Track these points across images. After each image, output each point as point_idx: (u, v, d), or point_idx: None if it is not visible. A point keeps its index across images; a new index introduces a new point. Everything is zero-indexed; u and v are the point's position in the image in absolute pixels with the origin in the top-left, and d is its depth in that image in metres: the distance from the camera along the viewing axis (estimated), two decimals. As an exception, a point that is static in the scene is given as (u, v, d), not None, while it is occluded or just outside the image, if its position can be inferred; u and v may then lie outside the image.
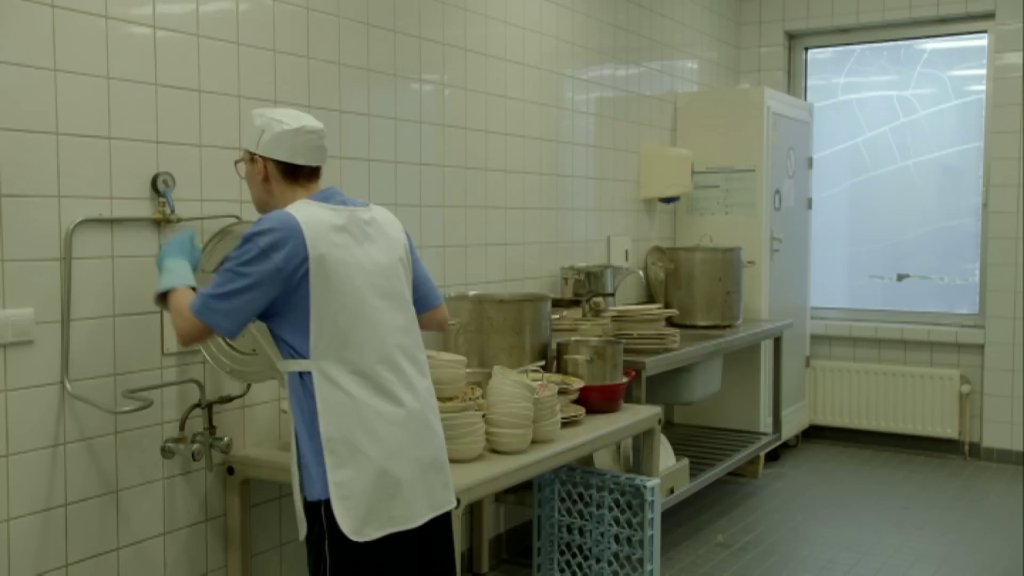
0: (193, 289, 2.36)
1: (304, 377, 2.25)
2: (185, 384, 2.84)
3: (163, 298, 2.39)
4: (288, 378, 2.29)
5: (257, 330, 2.48)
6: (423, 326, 2.62)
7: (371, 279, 2.30)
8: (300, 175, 2.40)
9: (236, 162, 2.58)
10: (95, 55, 2.58)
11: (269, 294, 2.20)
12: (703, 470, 4.65)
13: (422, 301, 2.55)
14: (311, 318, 2.21)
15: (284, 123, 2.37)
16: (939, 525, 4.73)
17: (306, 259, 2.19)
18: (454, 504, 2.43)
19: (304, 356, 2.23)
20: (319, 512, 2.25)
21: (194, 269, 2.48)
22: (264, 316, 2.27)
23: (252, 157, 2.41)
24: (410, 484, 2.28)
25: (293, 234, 2.20)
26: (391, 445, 2.26)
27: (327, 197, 2.36)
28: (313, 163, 2.41)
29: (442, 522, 2.43)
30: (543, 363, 3.57)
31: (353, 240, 2.30)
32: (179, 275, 2.40)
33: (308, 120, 2.42)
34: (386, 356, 2.29)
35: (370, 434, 2.24)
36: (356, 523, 2.21)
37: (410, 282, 2.48)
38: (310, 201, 2.33)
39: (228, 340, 2.65)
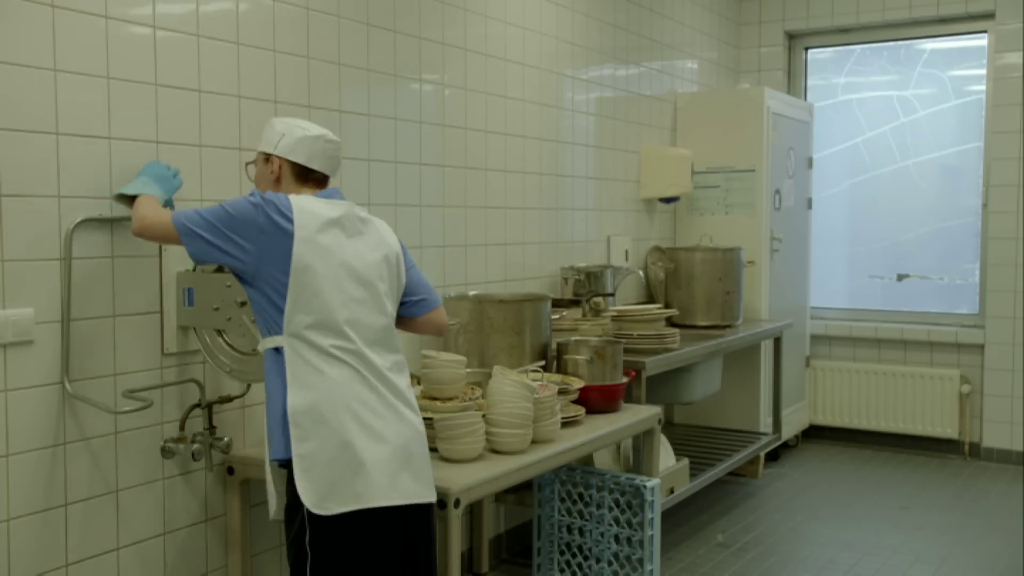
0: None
1: (278, 352, 2.33)
2: (185, 384, 2.84)
3: (129, 200, 2.56)
4: (265, 355, 2.38)
5: (246, 316, 2.62)
6: (421, 329, 2.68)
7: (353, 270, 2.38)
8: (310, 179, 2.52)
9: (247, 164, 2.68)
10: (95, 55, 2.58)
11: (244, 245, 2.31)
12: (703, 470, 4.65)
13: (421, 304, 2.63)
14: (288, 294, 2.30)
15: (306, 129, 2.52)
16: (939, 525, 4.73)
17: (290, 234, 2.30)
18: (426, 499, 2.42)
19: (279, 332, 2.32)
20: (299, 502, 2.29)
21: (168, 204, 2.64)
22: (247, 283, 2.37)
23: (267, 158, 2.52)
24: (374, 466, 2.30)
25: (284, 208, 2.33)
26: (356, 423, 2.30)
27: (328, 195, 2.48)
28: (326, 170, 2.54)
29: (422, 517, 2.44)
30: (543, 363, 3.57)
31: (343, 233, 2.39)
32: (151, 191, 2.56)
33: (328, 131, 2.56)
34: (359, 343, 2.35)
35: (335, 410, 2.29)
36: (317, 496, 2.27)
37: (396, 285, 2.53)
38: (311, 196, 2.44)
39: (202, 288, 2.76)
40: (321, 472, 2.27)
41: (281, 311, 2.31)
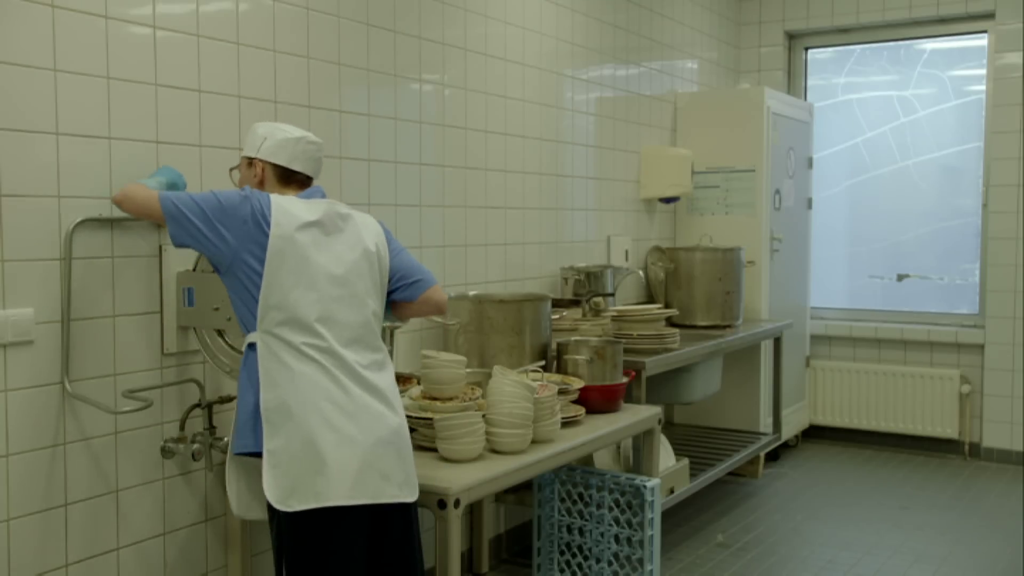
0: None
1: (252, 348, 2.36)
2: (185, 384, 2.84)
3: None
4: (244, 353, 2.41)
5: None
6: (421, 310, 2.69)
7: (329, 269, 2.39)
8: (293, 181, 2.54)
9: (231, 169, 2.70)
10: (95, 55, 2.58)
11: (226, 236, 2.34)
12: (703, 470, 4.65)
13: (416, 285, 2.62)
14: (262, 290, 2.32)
15: (287, 132, 2.53)
16: (939, 525, 4.73)
17: (267, 232, 2.33)
18: (397, 499, 2.40)
19: (254, 328, 2.35)
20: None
21: None
22: (221, 272, 2.40)
23: (250, 162, 2.54)
24: (337, 465, 2.31)
25: (264, 206, 2.36)
26: (322, 421, 2.31)
27: (309, 195, 2.50)
28: (308, 172, 2.56)
29: (397, 516, 2.44)
30: (543, 363, 3.57)
31: (322, 232, 2.41)
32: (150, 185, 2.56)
33: (309, 133, 2.58)
34: (331, 341, 2.36)
35: (303, 407, 2.31)
36: (281, 493, 2.29)
37: (379, 281, 2.53)
38: (292, 197, 2.46)
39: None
40: (286, 469, 2.29)
41: (255, 306, 2.34)
